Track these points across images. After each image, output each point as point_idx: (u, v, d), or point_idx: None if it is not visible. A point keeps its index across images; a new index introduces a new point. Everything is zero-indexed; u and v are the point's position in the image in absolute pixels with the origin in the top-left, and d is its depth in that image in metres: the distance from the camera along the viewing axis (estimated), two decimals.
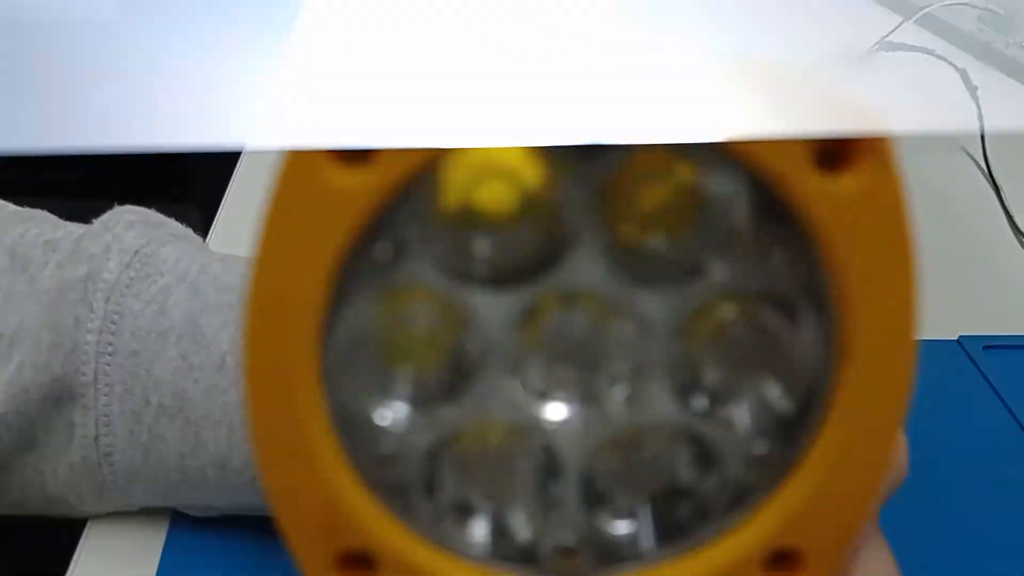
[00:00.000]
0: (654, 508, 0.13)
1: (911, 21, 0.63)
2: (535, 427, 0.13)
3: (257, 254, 0.12)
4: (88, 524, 0.29)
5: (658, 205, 0.13)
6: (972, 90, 0.53)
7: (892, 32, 0.60)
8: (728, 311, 0.13)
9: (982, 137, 0.53)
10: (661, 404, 0.13)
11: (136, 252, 0.27)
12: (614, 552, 0.13)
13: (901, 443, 0.17)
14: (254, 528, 0.28)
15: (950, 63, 0.54)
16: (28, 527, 0.31)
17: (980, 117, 0.53)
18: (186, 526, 0.29)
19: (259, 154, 0.50)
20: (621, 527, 0.13)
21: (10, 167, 1.23)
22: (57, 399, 0.26)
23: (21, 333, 0.26)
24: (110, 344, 0.26)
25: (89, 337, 0.26)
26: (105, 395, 0.26)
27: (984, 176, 0.53)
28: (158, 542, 0.29)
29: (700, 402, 0.13)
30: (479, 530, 0.13)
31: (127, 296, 0.26)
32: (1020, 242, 0.48)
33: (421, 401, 0.13)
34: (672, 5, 0.70)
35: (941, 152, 0.56)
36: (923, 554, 0.31)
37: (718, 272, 0.13)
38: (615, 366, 0.13)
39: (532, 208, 0.12)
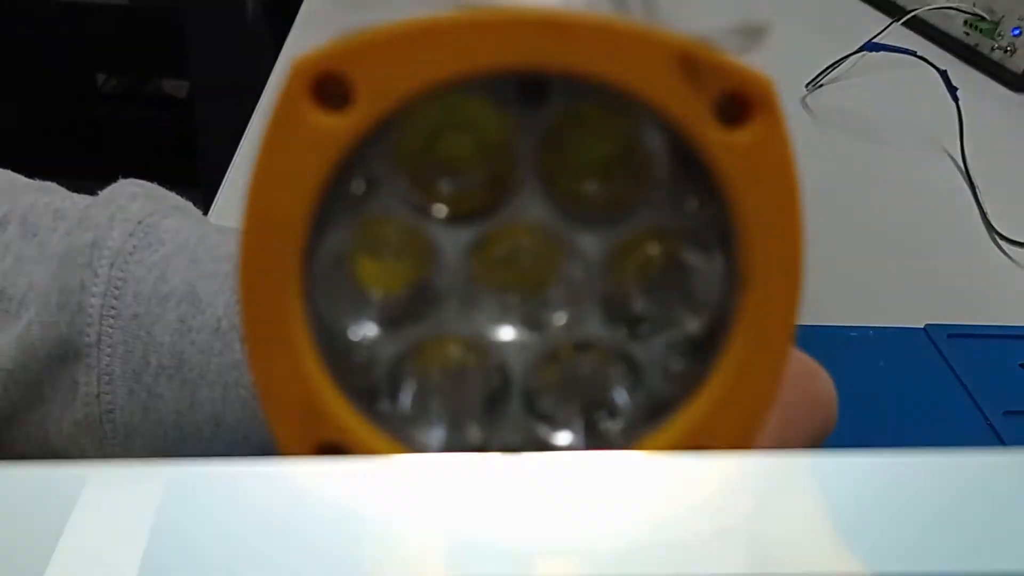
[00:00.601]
0: (586, 418, 0.15)
1: (899, 23, 0.65)
2: (486, 346, 0.15)
3: (250, 184, 0.13)
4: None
5: (591, 155, 0.14)
6: (953, 91, 0.55)
7: (880, 33, 0.62)
8: (651, 247, 0.15)
9: (961, 135, 0.55)
10: (593, 328, 0.15)
11: (139, 222, 0.28)
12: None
13: (829, 395, 0.19)
14: None
15: (932, 64, 0.55)
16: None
17: (960, 116, 0.55)
18: None
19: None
20: (558, 434, 0.15)
21: (23, 148, 1.25)
22: (62, 358, 0.27)
23: (30, 294, 0.27)
24: (113, 307, 0.27)
25: (93, 300, 0.27)
26: (107, 355, 0.27)
27: (961, 173, 0.54)
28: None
29: (627, 326, 0.15)
30: (436, 432, 0.15)
31: (130, 263, 0.27)
32: (992, 238, 0.49)
33: (388, 321, 0.15)
34: None
35: (921, 149, 0.58)
36: None
37: (642, 214, 0.15)
38: (555, 294, 0.15)
39: (486, 154, 0.14)
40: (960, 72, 0.65)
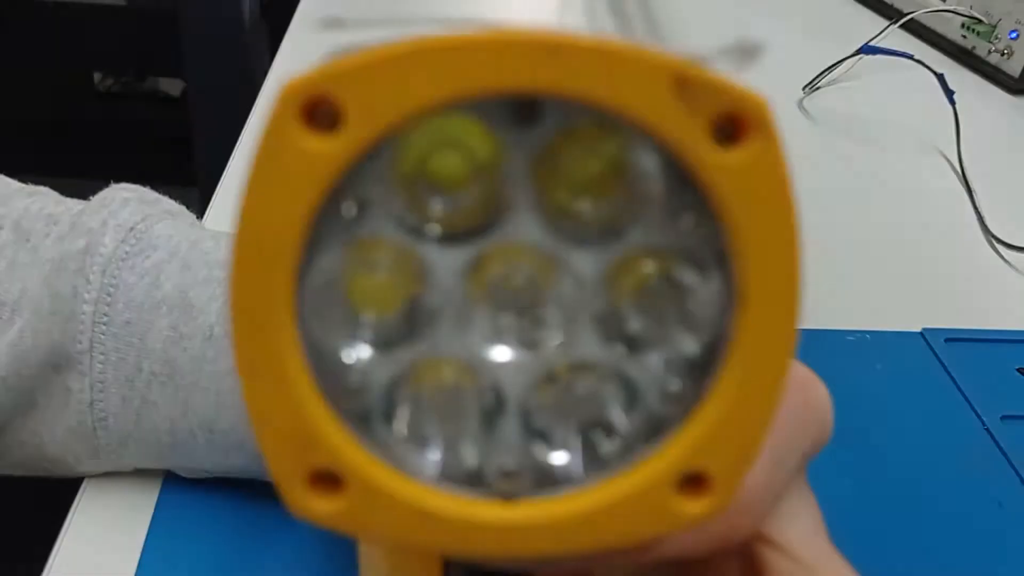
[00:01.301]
0: (583, 438, 0.15)
1: (896, 26, 0.65)
2: (481, 367, 0.15)
3: (241, 207, 0.13)
4: (84, 482, 0.30)
5: (585, 174, 0.14)
6: (950, 94, 0.55)
7: (877, 36, 0.62)
8: (646, 266, 0.15)
9: (957, 139, 0.55)
10: (589, 347, 0.15)
11: (131, 228, 0.28)
12: (549, 475, 0.15)
13: (824, 405, 0.19)
14: (242, 488, 0.30)
15: (928, 67, 0.55)
16: (26, 484, 0.32)
17: (956, 120, 0.55)
18: (178, 485, 0.30)
19: (256, 139, 0.51)
20: (555, 454, 0.15)
21: (19, 147, 1.24)
22: (55, 365, 0.27)
23: (23, 300, 0.27)
24: (105, 314, 0.27)
25: (86, 307, 0.27)
26: (100, 362, 0.27)
27: (958, 177, 0.54)
28: (151, 500, 0.30)
29: (623, 346, 0.15)
30: (432, 455, 0.15)
31: (122, 269, 0.27)
32: (989, 242, 0.49)
33: (382, 343, 0.15)
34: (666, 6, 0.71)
35: (918, 152, 0.58)
36: (877, 538, 0.32)
37: (637, 232, 0.15)
38: (550, 314, 0.15)
39: (478, 174, 0.14)
40: (957, 75, 0.66)
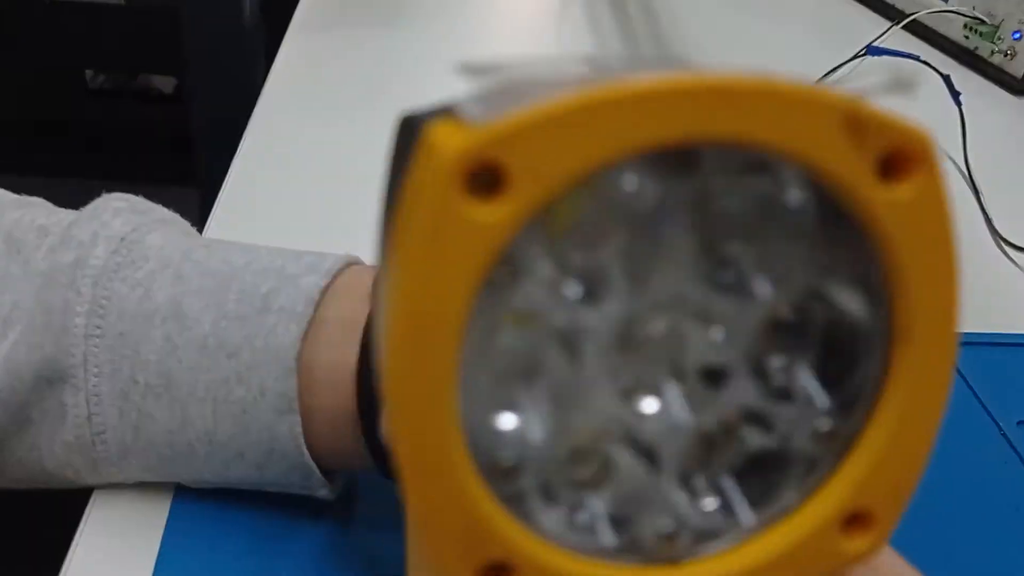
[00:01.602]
0: (740, 487, 0.15)
1: (899, 27, 0.65)
2: (634, 426, 0.15)
3: (400, 286, 0.12)
4: (93, 495, 0.30)
5: (738, 218, 0.14)
6: (956, 95, 0.55)
7: (880, 37, 0.61)
8: (797, 308, 0.15)
9: (964, 141, 0.54)
10: (742, 395, 0.15)
11: (122, 239, 0.28)
12: (708, 530, 0.15)
13: None
14: (255, 498, 0.29)
15: (934, 68, 0.55)
16: (35, 497, 0.32)
17: (962, 122, 0.54)
18: (190, 496, 0.30)
19: (257, 140, 0.51)
20: (711, 505, 0.15)
21: (14, 146, 1.23)
22: (48, 379, 0.27)
23: (16, 313, 0.27)
24: (98, 327, 0.26)
25: (78, 320, 0.26)
26: (95, 375, 0.27)
27: (965, 180, 0.54)
28: (163, 512, 0.30)
29: (774, 387, 0.15)
30: (592, 527, 0.14)
31: (114, 281, 0.27)
32: (998, 244, 0.49)
33: (534, 415, 0.14)
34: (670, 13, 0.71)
35: None
36: (893, 544, 0.32)
37: (792, 275, 0.14)
38: (702, 364, 0.15)
39: (632, 228, 0.14)
40: (960, 76, 0.65)
